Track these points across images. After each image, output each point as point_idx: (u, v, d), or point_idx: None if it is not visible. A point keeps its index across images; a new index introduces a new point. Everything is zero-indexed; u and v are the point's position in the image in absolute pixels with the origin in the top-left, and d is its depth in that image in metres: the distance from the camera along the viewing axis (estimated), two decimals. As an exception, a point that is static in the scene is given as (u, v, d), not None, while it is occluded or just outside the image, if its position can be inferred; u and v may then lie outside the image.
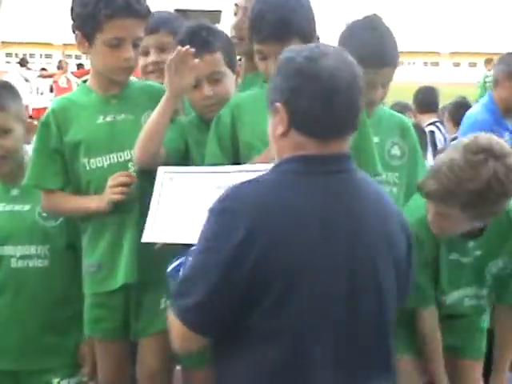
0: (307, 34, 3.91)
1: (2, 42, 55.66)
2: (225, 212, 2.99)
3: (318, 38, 4.03)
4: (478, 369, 4.56)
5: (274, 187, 3.05)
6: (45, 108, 7.49)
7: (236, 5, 4.75)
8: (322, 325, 3.05)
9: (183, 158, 4.09)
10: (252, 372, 3.12)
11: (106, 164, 4.04)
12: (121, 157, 4.06)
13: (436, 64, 42.95)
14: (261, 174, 3.27)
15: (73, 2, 4.03)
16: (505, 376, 4.53)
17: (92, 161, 4.05)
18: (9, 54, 47.87)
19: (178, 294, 3.14)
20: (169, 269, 3.57)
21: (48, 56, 42.63)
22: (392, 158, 4.29)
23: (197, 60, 3.85)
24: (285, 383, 3.09)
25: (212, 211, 3.02)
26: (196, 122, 4.24)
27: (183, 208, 3.72)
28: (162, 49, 4.59)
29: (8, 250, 4.33)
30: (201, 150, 4.07)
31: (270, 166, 3.29)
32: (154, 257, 3.83)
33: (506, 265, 4.23)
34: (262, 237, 2.93)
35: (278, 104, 3.06)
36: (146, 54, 4.55)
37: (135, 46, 4.01)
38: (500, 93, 7.02)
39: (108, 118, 4.07)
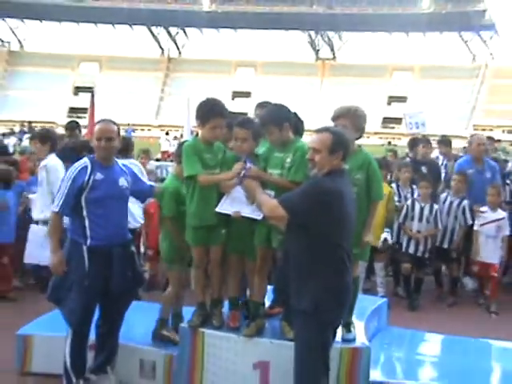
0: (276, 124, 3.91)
1: (159, 125, 59.47)
2: (320, 192, 3.32)
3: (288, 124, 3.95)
4: None
5: (334, 181, 3.40)
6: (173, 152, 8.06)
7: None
8: (350, 238, 3.51)
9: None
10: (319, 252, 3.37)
11: (207, 173, 4.04)
12: (213, 172, 4.08)
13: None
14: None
15: (198, 107, 4.10)
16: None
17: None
18: (162, 129, 49.72)
19: (286, 196, 3.45)
20: (247, 165, 3.91)
21: (177, 130, 44.12)
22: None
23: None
24: (341, 266, 3.40)
25: (311, 187, 3.36)
26: (234, 154, 4.14)
27: (236, 198, 3.95)
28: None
29: (184, 207, 4.25)
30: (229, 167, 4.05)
31: (268, 192, 3.76)
32: (219, 214, 4.02)
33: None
34: (335, 202, 3.32)
35: (341, 151, 3.43)
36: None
37: (221, 128, 4.08)
38: (470, 151, 7.74)
39: (208, 156, 4.10)
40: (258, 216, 3.87)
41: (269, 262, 4.20)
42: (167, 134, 38.15)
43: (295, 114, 4.33)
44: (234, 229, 4.22)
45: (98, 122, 4.35)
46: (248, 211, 3.89)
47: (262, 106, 4.62)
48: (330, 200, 3.34)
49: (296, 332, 3.58)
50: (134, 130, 39.70)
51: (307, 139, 3.81)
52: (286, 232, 3.58)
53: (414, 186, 7.54)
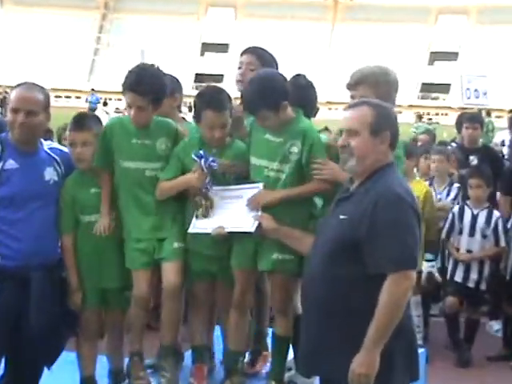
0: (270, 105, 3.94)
1: (92, 89, 60.57)
2: (403, 200, 3.41)
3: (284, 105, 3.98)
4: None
5: (399, 178, 3.56)
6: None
7: (240, 62, 4.62)
8: None
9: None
10: None
11: (133, 166, 4.29)
12: (141, 164, 4.28)
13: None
14: (250, 189, 3.92)
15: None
16: None
17: (126, 163, 4.29)
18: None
19: (395, 253, 3.36)
20: (195, 155, 4.04)
21: (120, 99, 46.14)
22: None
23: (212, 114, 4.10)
24: None
25: (398, 201, 3.40)
26: (200, 142, 4.22)
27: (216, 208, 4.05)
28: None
29: (90, 217, 4.35)
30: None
31: (255, 185, 3.89)
32: (173, 227, 4.23)
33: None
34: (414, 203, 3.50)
35: (388, 132, 3.48)
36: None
37: (138, 108, 4.22)
38: None
39: (138, 141, 4.30)
40: (251, 228, 3.89)
41: (251, 291, 4.20)
42: (105, 104, 38.95)
43: (304, 77, 4.28)
44: (197, 245, 4.24)
45: (16, 87, 4.28)
46: (235, 224, 3.89)
47: (251, 52, 4.64)
48: (417, 220, 3.48)
49: None
50: (99, 100, 39.09)
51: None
52: (328, 263, 3.50)
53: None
